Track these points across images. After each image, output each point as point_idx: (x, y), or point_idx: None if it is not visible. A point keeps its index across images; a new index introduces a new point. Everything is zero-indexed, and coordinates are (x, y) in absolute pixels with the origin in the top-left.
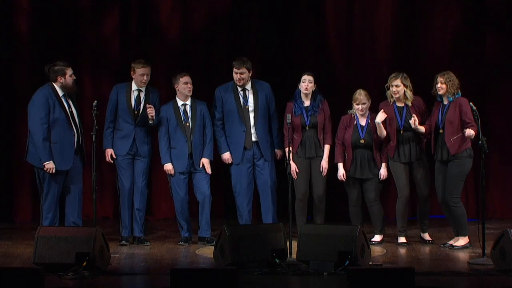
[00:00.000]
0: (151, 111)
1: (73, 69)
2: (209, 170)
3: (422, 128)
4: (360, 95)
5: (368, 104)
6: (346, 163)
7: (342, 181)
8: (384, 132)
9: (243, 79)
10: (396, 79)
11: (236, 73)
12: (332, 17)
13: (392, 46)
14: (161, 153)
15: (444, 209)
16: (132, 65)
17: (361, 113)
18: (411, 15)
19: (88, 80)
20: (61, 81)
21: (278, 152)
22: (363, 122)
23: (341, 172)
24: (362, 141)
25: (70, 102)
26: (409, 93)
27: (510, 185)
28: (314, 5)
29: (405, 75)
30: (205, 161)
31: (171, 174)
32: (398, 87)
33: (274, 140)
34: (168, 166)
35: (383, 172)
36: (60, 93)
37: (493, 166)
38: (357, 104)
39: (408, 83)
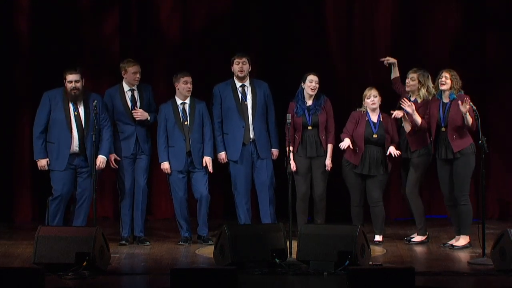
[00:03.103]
0: (137, 115)
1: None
2: (211, 169)
3: (418, 118)
4: (370, 89)
5: (379, 98)
6: (355, 158)
7: (346, 148)
8: (418, 119)
9: (244, 70)
10: (413, 72)
11: (238, 63)
12: (332, 17)
13: (392, 46)
14: (158, 151)
15: (449, 207)
16: (122, 65)
17: (373, 106)
18: (411, 15)
19: (88, 80)
20: (65, 85)
21: (274, 151)
22: (374, 118)
23: (346, 142)
24: (374, 135)
25: (81, 107)
26: (423, 92)
27: (510, 185)
28: (314, 5)
29: (427, 74)
30: (207, 160)
31: (168, 173)
32: (413, 81)
33: (272, 140)
34: (165, 165)
35: (391, 149)
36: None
37: (493, 166)
38: (368, 98)
39: (427, 83)
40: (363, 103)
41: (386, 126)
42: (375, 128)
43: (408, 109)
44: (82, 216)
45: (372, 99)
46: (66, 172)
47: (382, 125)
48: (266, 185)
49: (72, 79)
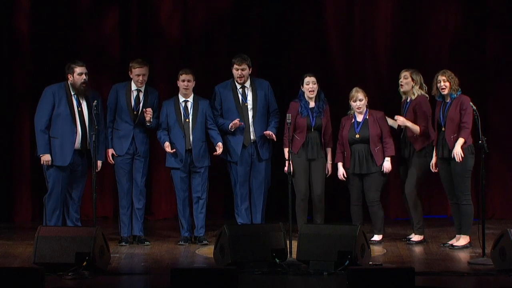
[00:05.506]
0: (148, 115)
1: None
2: (219, 151)
3: (415, 127)
4: (357, 92)
5: (365, 101)
6: (346, 161)
7: (343, 180)
8: (416, 128)
9: (243, 75)
10: (406, 71)
11: (237, 70)
12: (332, 17)
13: (392, 46)
14: (160, 140)
15: (452, 204)
16: (130, 64)
17: (358, 110)
18: (411, 15)
19: (88, 80)
20: (70, 79)
21: (268, 132)
22: (360, 118)
23: (340, 171)
24: (357, 135)
25: (83, 102)
26: (416, 89)
27: (510, 185)
28: (314, 5)
29: (417, 71)
30: (219, 145)
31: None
32: (406, 79)
33: (269, 127)
34: (167, 143)
35: (386, 164)
36: (72, 91)
37: (493, 166)
38: (354, 101)
39: (419, 80)
40: (350, 103)
41: (372, 123)
42: (357, 127)
43: (400, 124)
44: (75, 214)
45: (357, 103)
46: (65, 168)
47: (367, 122)
48: (263, 186)
49: (83, 71)
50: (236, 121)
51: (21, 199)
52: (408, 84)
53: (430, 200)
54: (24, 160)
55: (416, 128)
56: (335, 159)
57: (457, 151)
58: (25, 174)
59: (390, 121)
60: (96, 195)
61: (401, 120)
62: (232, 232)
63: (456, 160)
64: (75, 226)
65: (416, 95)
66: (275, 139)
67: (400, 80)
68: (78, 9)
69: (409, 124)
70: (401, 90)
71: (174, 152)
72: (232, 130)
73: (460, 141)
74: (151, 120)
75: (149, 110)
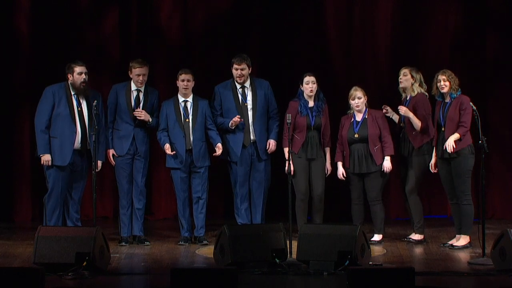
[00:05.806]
0: (138, 115)
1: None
2: (219, 152)
3: (417, 120)
4: (356, 90)
5: (364, 99)
6: (345, 161)
7: (342, 180)
8: (418, 123)
9: (243, 75)
10: (405, 68)
11: (237, 69)
12: (332, 17)
13: (392, 46)
14: (160, 141)
15: (452, 204)
16: (130, 64)
17: (357, 108)
18: (411, 15)
19: (88, 80)
20: (70, 78)
21: (270, 142)
22: (359, 117)
23: (340, 171)
24: (356, 135)
25: (83, 102)
26: (416, 86)
27: (510, 185)
28: (314, 5)
29: (416, 69)
30: (219, 146)
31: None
32: (405, 76)
33: (271, 134)
34: (167, 146)
35: (386, 164)
36: (72, 91)
37: (493, 166)
38: (353, 99)
39: (418, 78)
40: (349, 102)
41: (371, 123)
42: (356, 127)
43: (403, 114)
44: (75, 215)
45: (356, 101)
46: (65, 168)
47: (366, 122)
48: (263, 186)
49: (82, 71)
50: (236, 118)
51: (21, 199)
52: (408, 81)
53: (430, 200)
54: (24, 160)
55: (417, 121)
56: (334, 159)
57: (449, 143)
58: (25, 174)
59: (395, 116)
60: (96, 195)
61: (403, 110)
62: (232, 232)
63: (448, 151)
64: (75, 226)
65: (416, 92)
66: (274, 150)
67: (400, 77)
68: (78, 9)
69: (411, 115)
70: (400, 86)
71: (174, 154)
72: (233, 127)
73: (455, 135)
74: (150, 120)
75: (139, 111)
